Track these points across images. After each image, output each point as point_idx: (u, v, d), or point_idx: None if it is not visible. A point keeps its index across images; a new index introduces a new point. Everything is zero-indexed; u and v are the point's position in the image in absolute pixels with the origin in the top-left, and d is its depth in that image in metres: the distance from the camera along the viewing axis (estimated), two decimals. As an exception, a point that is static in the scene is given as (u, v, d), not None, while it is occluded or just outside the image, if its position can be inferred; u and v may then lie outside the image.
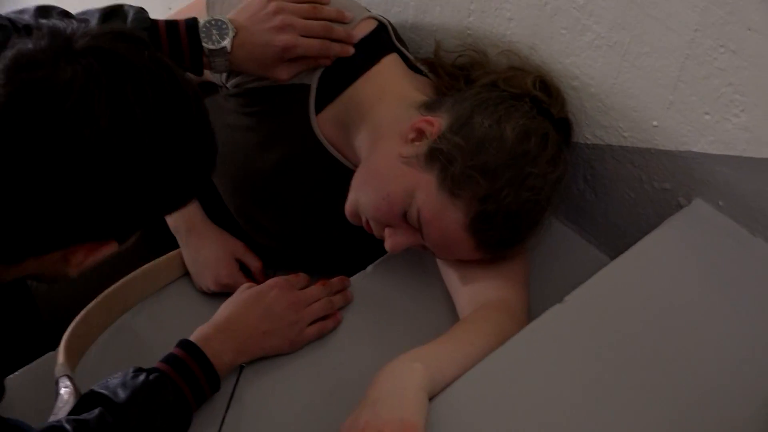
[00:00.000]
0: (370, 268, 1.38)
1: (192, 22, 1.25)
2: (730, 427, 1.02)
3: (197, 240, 1.47)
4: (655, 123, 1.24)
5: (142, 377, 1.09)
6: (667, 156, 1.26)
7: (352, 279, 1.36)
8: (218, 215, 1.50)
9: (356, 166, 1.32)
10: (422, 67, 1.42)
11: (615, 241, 1.39)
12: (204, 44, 1.24)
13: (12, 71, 0.85)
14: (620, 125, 1.29)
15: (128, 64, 0.89)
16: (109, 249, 0.95)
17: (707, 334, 1.11)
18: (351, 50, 1.34)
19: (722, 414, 1.03)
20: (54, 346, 1.27)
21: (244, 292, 1.29)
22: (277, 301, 1.25)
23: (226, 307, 1.26)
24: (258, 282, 1.35)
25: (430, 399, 1.03)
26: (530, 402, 1.03)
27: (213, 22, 1.26)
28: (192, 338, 1.18)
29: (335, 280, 1.33)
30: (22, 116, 0.84)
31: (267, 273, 1.48)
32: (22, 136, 0.85)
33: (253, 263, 1.47)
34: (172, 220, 1.47)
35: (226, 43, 1.25)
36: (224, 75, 1.37)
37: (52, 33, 0.88)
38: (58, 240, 0.92)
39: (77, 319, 1.32)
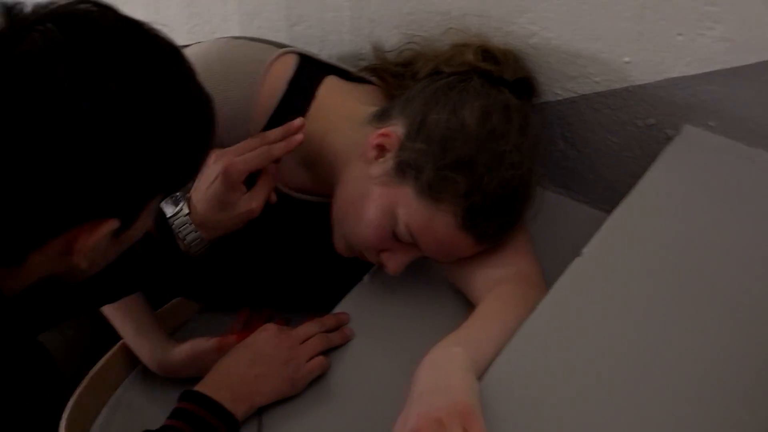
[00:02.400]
0: (366, 278, 1.32)
1: None
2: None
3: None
4: (626, 59, 1.22)
5: None
6: (645, 90, 1.23)
7: (350, 294, 1.30)
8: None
9: (330, 197, 1.26)
10: (365, 75, 1.37)
11: (607, 194, 1.36)
12: (166, 213, 1.19)
13: None
14: (590, 71, 1.26)
15: (91, 24, 0.82)
16: (109, 226, 0.87)
17: (735, 259, 1.08)
18: (299, 138, 1.22)
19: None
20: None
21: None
22: (267, 343, 1.19)
23: (216, 363, 1.19)
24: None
25: (478, 379, 0.98)
26: (577, 359, 0.99)
27: (168, 199, 1.21)
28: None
29: (328, 316, 1.26)
30: None
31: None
32: None
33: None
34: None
35: (182, 205, 1.19)
36: None
37: (5, 7, 0.82)
38: (53, 224, 0.84)
39: (70, 404, 1.26)
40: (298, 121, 1.21)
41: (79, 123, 0.79)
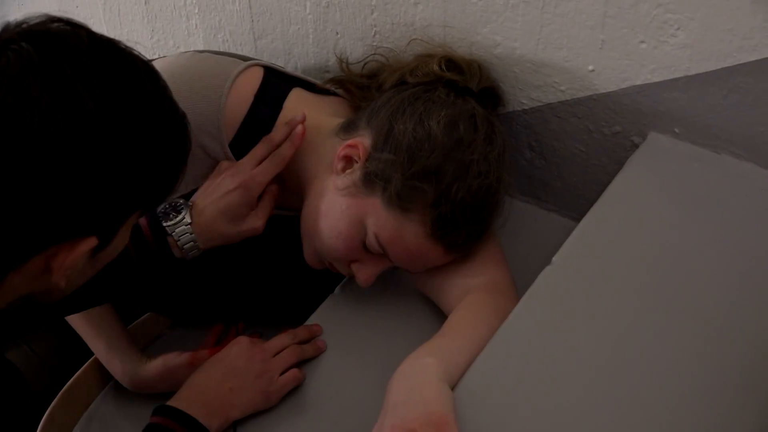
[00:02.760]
0: (337, 290, 1.32)
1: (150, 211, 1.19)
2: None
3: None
4: (590, 68, 1.23)
5: None
6: (610, 98, 1.24)
7: (321, 306, 1.30)
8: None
9: (299, 210, 1.26)
10: (331, 87, 1.37)
11: (575, 202, 1.37)
12: (164, 224, 1.17)
13: None
14: (555, 80, 1.27)
15: (65, 42, 0.82)
16: (88, 244, 0.86)
17: (704, 263, 1.08)
18: (301, 130, 1.24)
19: (740, 342, 1.00)
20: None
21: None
22: (239, 356, 1.19)
23: (189, 377, 1.18)
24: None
25: (452, 389, 0.98)
26: (551, 366, 0.99)
27: (168, 205, 1.19)
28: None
29: (301, 328, 1.26)
30: None
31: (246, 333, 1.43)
32: None
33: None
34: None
35: (184, 213, 1.18)
36: None
37: None
38: (32, 243, 0.83)
39: (42, 421, 1.26)
40: (300, 116, 1.23)
41: (57, 141, 0.79)
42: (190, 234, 1.17)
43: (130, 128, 0.84)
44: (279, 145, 1.23)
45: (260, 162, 1.23)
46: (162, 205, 1.19)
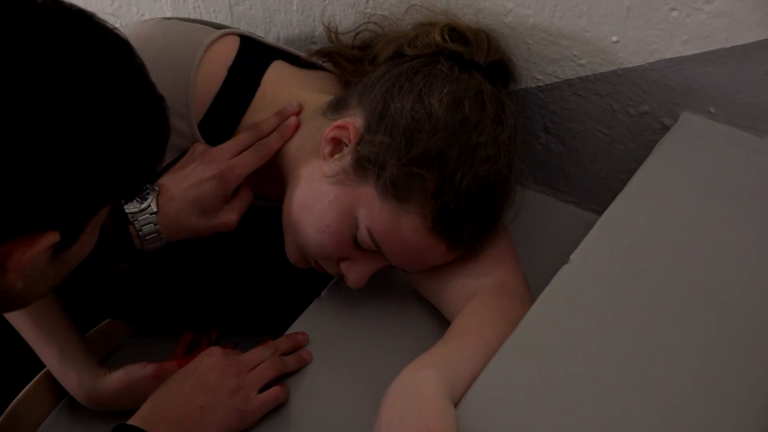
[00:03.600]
0: (324, 293, 1.32)
1: None
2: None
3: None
4: (614, 38, 1.23)
5: None
6: (637, 73, 1.24)
7: (306, 312, 1.30)
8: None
9: (280, 200, 1.26)
10: (317, 60, 1.37)
11: (596, 192, 1.37)
12: (126, 210, 1.17)
13: None
14: (574, 53, 1.27)
15: (24, 9, 0.81)
16: (48, 240, 0.85)
17: (743, 263, 1.09)
18: (293, 122, 1.26)
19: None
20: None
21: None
22: (211, 369, 1.18)
23: (153, 393, 1.18)
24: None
25: (455, 405, 0.98)
26: (568, 380, 0.99)
27: None
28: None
29: (283, 337, 1.26)
30: None
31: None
32: None
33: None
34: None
35: (150, 200, 1.18)
36: None
37: None
38: None
39: None
40: (292, 105, 1.24)
41: (15, 120, 0.78)
42: (154, 225, 1.18)
43: (99, 108, 0.83)
44: (266, 135, 1.23)
45: (242, 151, 1.23)
46: None
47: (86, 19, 0.86)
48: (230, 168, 1.20)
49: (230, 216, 1.22)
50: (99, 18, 0.87)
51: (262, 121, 1.24)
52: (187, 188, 1.19)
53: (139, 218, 1.17)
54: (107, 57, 0.86)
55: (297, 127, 1.24)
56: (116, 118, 0.86)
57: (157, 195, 1.18)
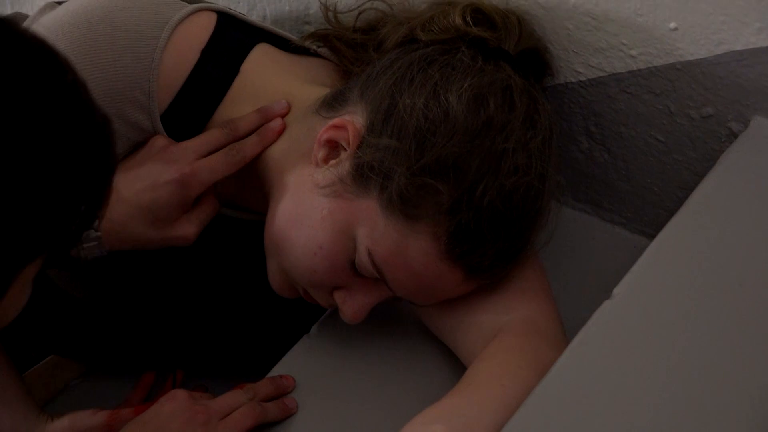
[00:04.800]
0: (314, 329, 1.33)
1: None
2: None
3: None
4: (672, 25, 1.23)
5: None
6: (699, 68, 1.24)
7: (292, 351, 1.31)
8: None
9: (263, 213, 1.27)
10: (311, 45, 1.38)
11: (648, 211, 1.38)
12: None
13: None
14: (623, 42, 1.28)
15: None
16: None
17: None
18: (277, 126, 1.26)
19: None
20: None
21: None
22: (173, 417, 1.18)
23: None
24: None
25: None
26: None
27: None
28: None
29: (263, 381, 1.26)
30: None
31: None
32: None
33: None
34: None
35: None
36: None
37: None
38: None
39: None
40: (279, 104, 1.25)
41: None
42: (95, 230, 1.18)
43: (20, 142, 0.82)
44: (242, 137, 1.24)
45: (211, 151, 1.23)
46: None
47: (5, 29, 0.83)
48: (194, 172, 1.20)
49: (187, 229, 1.23)
50: (23, 28, 0.85)
51: (240, 118, 1.24)
52: (139, 191, 1.19)
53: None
54: (27, 80, 0.82)
55: (281, 132, 1.24)
56: (42, 153, 0.83)
57: None
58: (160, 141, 1.23)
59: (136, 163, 1.22)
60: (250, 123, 1.24)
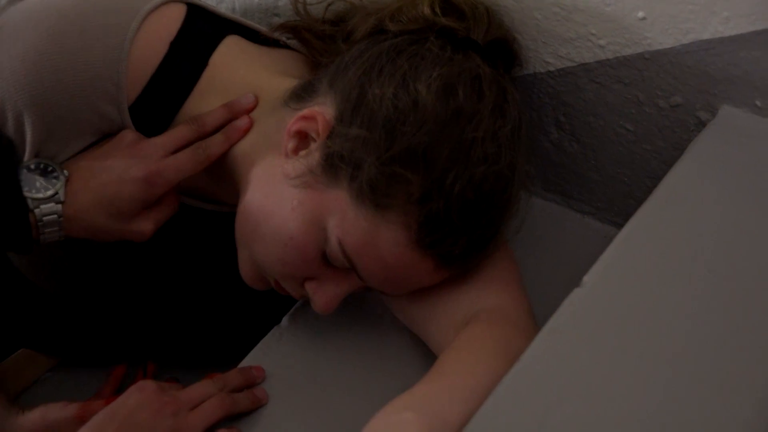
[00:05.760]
0: (285, 320, 1.33)
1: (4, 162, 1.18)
2: None
3: None
4: (640, 14, 1.23)
5: None
6: (667, 58, 1.25)
7: (263, 342, 1.31)
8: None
9: (233, 205, 1.27)
10: (280, 36, 1.38)
11: (617, 201, 1.38)
12: (26, 193, 1.17)
13: None
14: (592, 31, 1.28)
15: None
16: None
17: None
18: (244, 124, 1.27)
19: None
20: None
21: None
22: (142, 408, 1.18)
23: None
24: None
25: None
26: (575, 425, 0.99)
27: (35, 166, 1.19)
28: None
29: (233, 371, 1.26)
30: None
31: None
32: None
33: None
34: None
35: (58, 187, 1.18)
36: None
37: None
38: None
39: None
40: (247, 98, 1.25)
41: None
42: (58, 216, 1.18)
43: None
44: (210, 133, 1.24)
45: (179, 149, 1.23)
46: (26, 162, 1.18)
47: None
48: (159, 171, 1.20)
49: (144, 225, 1.23)
50: None
51: (207, 114, 1.24)
52: (105, 183, 1.19)
53: (42, 207, 1.17)
54: None
55: (248, 129, 1.25)
56: None
57: (66, 181, 1.18)
58: (130, 135, 1.23)
59: (103, 153, 1.21)
60: (218, 119, 1.24)
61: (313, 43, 1.33)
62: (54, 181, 1.18)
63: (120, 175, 1.19)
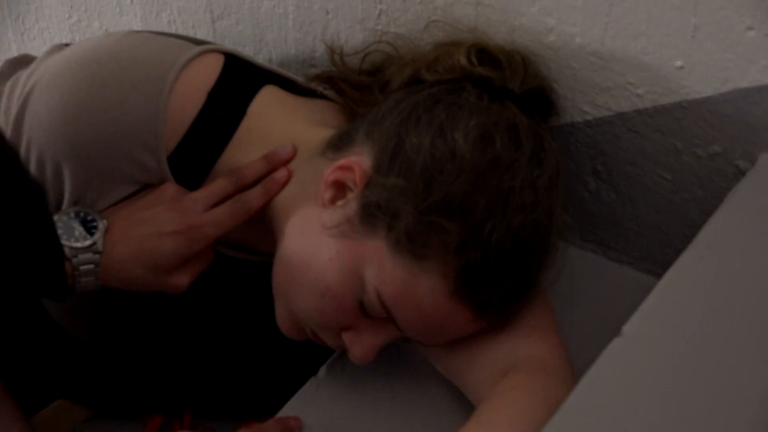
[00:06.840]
0: (322, 370, 1.32)
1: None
2: None
3: None
4: (678, 63, 1.23)
5: None
6: (705, 106, 1.24)
7: (300, 392, 1.30)
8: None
9: (271, 255, 1.27)
10: (317, 87, 1.38)
11: (656, 250, 1.37)
12: (64, 242, 1.18)
13: None
14: (629, 81, 1.28)
15: None
16: None
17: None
18: (282, 177, 1.27)
19: None
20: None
21: None
22: None
23: None
24: None
25: None
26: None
27: (74, 213, 1.21)
28: None
29: (270, 422, 1.25)
30: None
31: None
32: None
33: None
34: None
35: (97, 237, 1.20)
36: None
37: None
38: None
39: None
40: (285, 148, 1.25)
41: None
42: (96, 266, 1.18)
43: None
44: (249, 186, 1.24)
45: (218, 202, 1.24)
46: (66, 209, 1.19)
47: None
48: (200, 226, 1.21)
49: (181, 279, 1.23)
50: None
51: (245, 167, 1.25)
52: (144, 236, 1.20)
53: (80, 256, 1.17)
54: None
55: (287, 182, 1.25)
56: None
57: (105, 231, 1.19)
58: (171, 189, 1.24)
59: (144, 205, 1.22)
60: (257, 171, 1.25)
61: (350, 94, 1.33)
62: (93, 230, 1.18)
63: (160, 228, 1.20)
